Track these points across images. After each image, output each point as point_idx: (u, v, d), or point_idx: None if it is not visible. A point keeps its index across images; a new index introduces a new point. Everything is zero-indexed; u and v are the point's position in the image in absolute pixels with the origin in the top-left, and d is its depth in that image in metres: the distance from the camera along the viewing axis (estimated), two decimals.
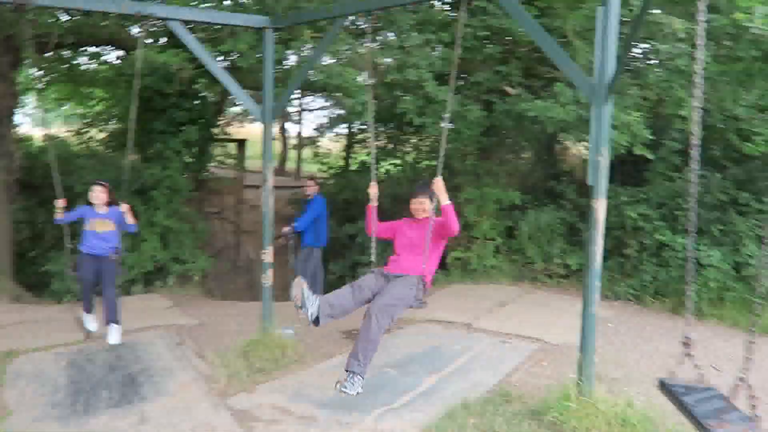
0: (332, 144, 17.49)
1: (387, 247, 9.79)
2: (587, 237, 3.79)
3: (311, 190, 8.56)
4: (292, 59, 8.39)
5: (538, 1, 7.40)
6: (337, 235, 10.55)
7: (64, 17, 8.07)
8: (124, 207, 5.34)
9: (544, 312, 6.48)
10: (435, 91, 7.32)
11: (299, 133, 24.03)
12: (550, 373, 4.72)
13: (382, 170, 12.47)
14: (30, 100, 13.60)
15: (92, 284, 5.43)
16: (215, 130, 11.46)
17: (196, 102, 9.78)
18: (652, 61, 8.57)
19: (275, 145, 15.39)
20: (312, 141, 20.08)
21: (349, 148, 15.01)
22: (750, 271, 6.25)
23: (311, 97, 22.30)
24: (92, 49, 10.34)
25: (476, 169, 9.76)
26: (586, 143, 11.21)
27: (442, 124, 4.25)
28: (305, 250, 8.52)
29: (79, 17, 8.15)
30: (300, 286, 3.78)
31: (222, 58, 8.14)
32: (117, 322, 5.43)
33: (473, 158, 10.40)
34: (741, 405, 2.52)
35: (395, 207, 10.76)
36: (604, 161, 3.67)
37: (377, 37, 6.29)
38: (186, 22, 4.96)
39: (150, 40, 8.74)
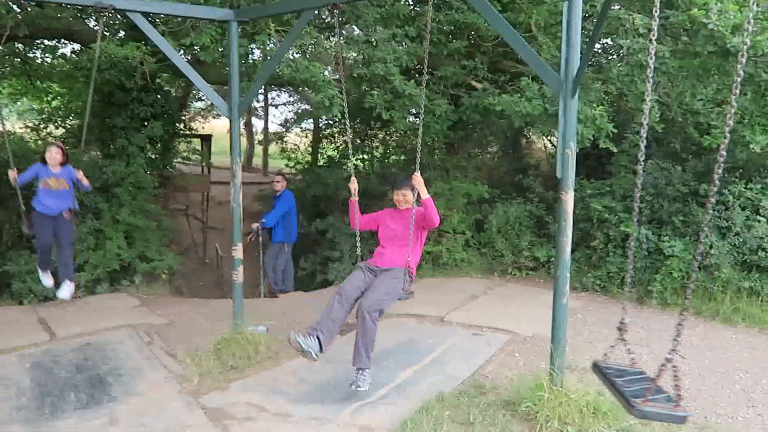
0: (299, 139, 17.33)
1: (364, 241, 9.82)
2: (556, 229, 3.86)
3: (280, 185, 8.51)
4: (256, 54, 8.30)
5: None
6: (307, 230, 10.50)
7: (16, 8, 7.79)
8: (79, 174, 5.40)
9: (515, 304, 6.58)
10: (402, 85, 7.34)
11: (265, 129, 23.77)
12: (523, 365, 4.80)
13: (350, 165, 12.43)
14: None
15: (49, 246, 5.53)
16: (179, 126, 11.24)
17: (158, 97, 9.57)
18: (613, 56, 8.80)
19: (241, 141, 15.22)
20: (279, 137, 19.88)
21: (316, 143, 14.93)
22: (711, 261, 6.46)
23: (276, 92, 22.09)
24: (47, 43, 10.03)
25: (444, 163, 9.85)
26: (551, 137, 11.45)
27: (418, 120, 4.36)
28: (275, 246, 8.47)
29: (31, 8, 7.87)
30: (294, 339, 3.91)
31: (182, 52, 7.99)
32: (72, 280, 5.63)
33: (441, 153, 10.49)
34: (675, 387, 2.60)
35: (364, 201, 10.76)
36: (572, 154, 3.75)
37: (342, 32, 6.27)
38: (147, 14, 4.84)
39: (108, 33, 8.51)
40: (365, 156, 12.33)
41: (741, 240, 6.49)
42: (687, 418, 2.50)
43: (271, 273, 8.50)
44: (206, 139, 13.71)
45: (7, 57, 9.88)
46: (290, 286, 8.71)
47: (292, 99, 22.27)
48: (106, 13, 4.64)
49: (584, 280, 7.29)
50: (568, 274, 3.83)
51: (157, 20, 7.36)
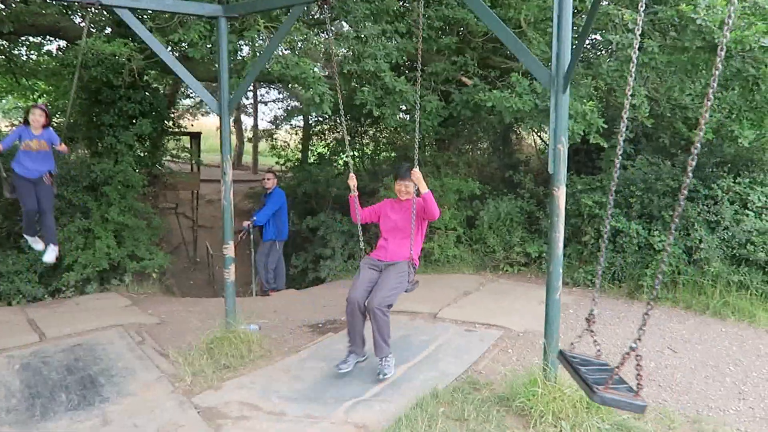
0: (289, 137, 17.26)
1: (347, 241, 9.75)
2: (548, 225, 3.87)
3: (270, 183, 8.48)
4: (244, 50, 8.24)
5: None
6: (298, 228, 10.48)
7: (0, 4, 7.69)
8: (61, 147, 5.55)
9: (507, 300, 6.60)
10: (393, 82, 7.32)
11: (255, 126, 23.65)
12: (516, 360, 4.82)
13: (341, 162, 12.42)
14: None
15: (35, 210, 5.56)
16: (168, 124, 11.14)
17: (147, 94, 9.47)
18: (602, 52, 8.83)
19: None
20: (268, 134, 19.79)
21: (306, 140, 14.87)
22: (701, 255, 6.51)
23: (266, 89, 21.99)
24: (33, 39, 9.90)
25: (435, 159, 9.86)
26: (541, 133, 11.50)
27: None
28: (267, 244, 8.44)
29: (16, 4, 7.77)
30: (337, 369, 4.37)
31: (170, 49, 7.92)
32: (55, 244, 5.72)
33: (432, 149, 10.50)
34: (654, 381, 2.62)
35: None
36: (564, 150, 3.75)
37: (332, 28, 6.25)
38: (135, 10, 4.78)
39: (94, 30, 8.42)
40: (356, 153, 12.31)
41: (730, 234, 6.54)
42: (645, 408, 2.54)
43: (263, 271, 8.47)
44: (195, 136, 13.60)
45: None
46: (282, 284, 8.68)
47: (281, 96, 22.18)
48: (93, 9, 4.59)
49: (575, 276, 7.32)
50: (561, 270, 3.84)
51: (145, 16, 7.28)
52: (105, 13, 8.68)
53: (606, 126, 6.63)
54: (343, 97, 5.04)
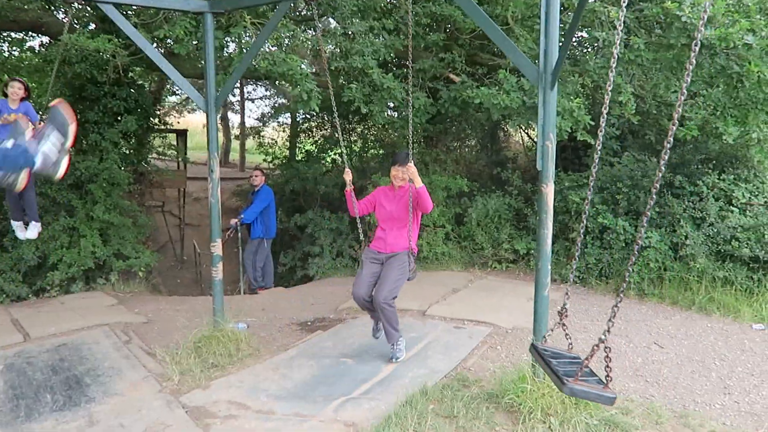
0: (276, 134, 17.17)
1: (336, 239, 9.72)
2: (537, 222, 3.88)
3: (258, 180, 8.43)
4: (231, 47, 8.19)
5: None
6: (286, 225, 10.43)
7: None
8: (39, 125, 5.44)
9: (495, 297, 6.62)
10: (380, 78, 7.30)
11: (242, 124, 23.51)
12: (505, 357, 4.83)
13: (329, 159, 12.38)
14: None
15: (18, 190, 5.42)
16: (154, 121, 11.03)
17: (132, 91, 9.37)
18: (589, 49, 8.87)
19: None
20: (256, 131, 19.68)
21: (294, 138, 14.80)
22: (686, 251, 6.57)
23: (253, 86, 21.86)
24: (15, 35, 9.75)
25: (423, 157, 9.85)
26: (529, 130, 11.54)
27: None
28: (255, 241, 8.40)
29: None
30: (374, 336, 4.84)
31: (155, 45, 7.84)
32: (37, 221, 5.68)
33: (420, 146, 10.49)
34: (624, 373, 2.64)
35: (344, 195, 10.73)
36: (552, 146, 3.76)
37: (318, 24, 6.23)
38: (119, 5, 4.72)
39: (78, 26, 8.30)
40: (344, 150, 12.25)
41: (715, 230, 6.61)
42: (614, 400, 2.57)
43: (251, 269, 8.42)
44: (182, 134, 13.50)
45: None
46: (270, 282, 8.64)
47: (268, 93, 22.08)
48: (76, 4, 4.52)
49: (563, 272, 7.36)
50: (549, 266, 3.85)
51: (129, 12, 7.20)
52: (89, 8, 8.57)
53: (593, 123, 6.66)
54: (331, 94, 5.03)
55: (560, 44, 3.70)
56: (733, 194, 6.77)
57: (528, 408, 3.60)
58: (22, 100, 5.39)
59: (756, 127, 6.06)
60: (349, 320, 5.95)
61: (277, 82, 13.96)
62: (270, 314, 6.41)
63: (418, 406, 3.75)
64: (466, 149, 12.13)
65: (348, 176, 4.71)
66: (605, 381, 2.58)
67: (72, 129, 2.56)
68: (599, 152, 2.96)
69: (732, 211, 6.65)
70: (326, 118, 13.08)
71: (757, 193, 6.83)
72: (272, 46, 7.45)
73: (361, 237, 4.84)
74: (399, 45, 7.73)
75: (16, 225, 5.73)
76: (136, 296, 7.63)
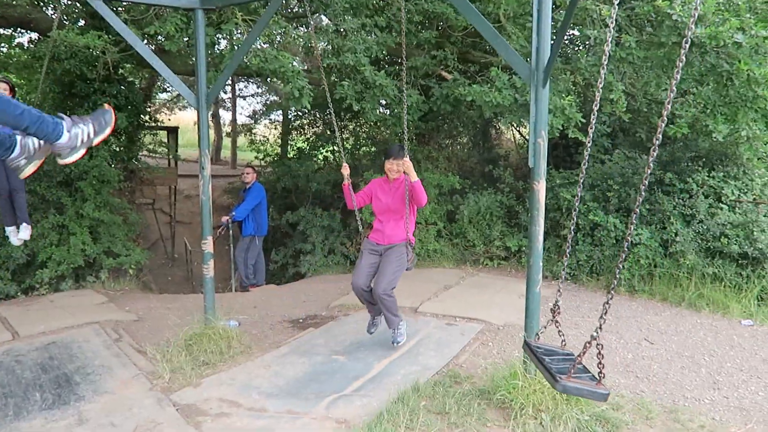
0: (268, 131, 17.11)
1: (328, 236, 9.71)
2: (528, 219, 3.89)
3: (250, 177, 8.41)
4: (222, 44, 8.14)
5: None
6: (278, 223, 10.41)
7: None
8: None
9: (487, 293, 6.64)
10: (372, 76, 7.29)
11: (233, 121, 23.42)
12: (496, 353, 4.84)
13: (320, 157, 12.36)
14: None
15: (8, 191, 5.47)
16: (144, 118, 10.96)
17: (122, 87, 9.30)
18: (581, 47, 8.90)
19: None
20: (247, 128, 19.60)
21: (286, 135, 14.77)
22: (676, 247, 6.62)
23: (244, 83, 21.78)
24: (3, 32, 9.65)
25: (416, 154, 9.86)
26: (521, 128, 11.56)
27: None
28: (246, 239, 8.37)
29: None
30: (368, 332, 4.97)
31: (145, 42, 7.78)
32: (29, 223, 5.65)
33: (412, 144, 10.49)
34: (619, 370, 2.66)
35: (336, 193, 10.73)
36: (544, 144, 3.77)
37: (310, 21, 6.22)
38: (109, 2, 4.68)
39: (67, 22, 8.23)
40: (335, 147, 12.24)
41: (705, 227, 6.65)
42: (608, 396, 2.58)
43: (242, 267, 8.39)
44: (172, 131, 13.41)
45: None
46: (262, 279, 8.62)
47: (260, 90, 22.00)
48: (64, 0, 4.47)
49: (555, 269, 7.39)
50: (541, 263, 3.87)
51: (119, 8, 7.14)
52: (78, 4, 8.50)
53: (584, 120, 6.68)
54: (323, 91, 5.05)
55: (552, 42, 3.71)
56: (723, 191, 6.82)
57: (519, 404, 3.62)
58: None
59: (745, 125, 6.10)
60: (341, 317, 5.94)
61: (268, 80, 13.90)
62: (262, 312, 6.39)
63: (410, 402, 3.76)
64: (458, 147, 12.15)
65: (345, 171, 4.77)
66: (598, 377, 2.59)
67: (107, 132, 2.64)
68: (589, 149, 2.97)
69: (721, 208, 6.70)
70: (318, 116, 13.05)
71: (746, 190, 6.89)
72: (264, 43, 7.42)
73: (360, 228, 4.92)
74: (391, 42, 7.73)
75: (10, 230, 5.68)
76: (127, 294, 7.58)
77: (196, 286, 10.37)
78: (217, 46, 7.86)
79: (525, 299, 3.91)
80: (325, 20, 8.88)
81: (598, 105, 2.93)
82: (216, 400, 3.98)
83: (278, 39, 7.74)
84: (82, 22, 8.60)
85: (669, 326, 5.61)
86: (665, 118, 2.37)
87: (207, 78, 5.04)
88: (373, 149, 11.95)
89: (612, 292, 2.56)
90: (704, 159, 7.32)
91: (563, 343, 3.00)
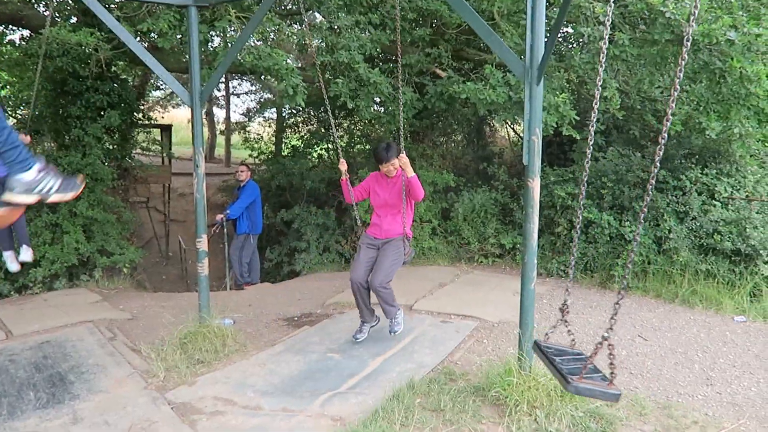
0: (262, 129, 17.05)
1: (322, 234, 9.69)
2: (523, 216, 3.90)
3: (244, 175, 8.39)
4: (216, 41, 8.11)
5: None
6: (273, 221, 10.39)
7: None
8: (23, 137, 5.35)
9: (482, 291, 6.65)
10: (367, 73, 7.28)
11: (227, 119, 23.32)
12: (491, 350, 4.86)
13: (315, 155, 12.34)
14: None
15: None
16: (138, 116, 10.91)
17: (115, 85, 9.25)
18: (574, 44, 8.92)
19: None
20: (241, 126, 19.52)
21: (280, 133, 14.73)
22: (670, 244, 6.65)
23: (238, 81, 21.69)
24: None
25: (410, 152, 9.86)
26: (515, 125, 11.58)
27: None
28: (241, 237, 8.36)
29: None
30: (354, 339, 4.93)
31: (138, 39, 7.74)
32: (28, 244, 5.69)
33: (406, 141, 10.49)
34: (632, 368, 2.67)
35: (331, 192, 10.73)
36: (538, 141, 3.78)
37: (305, 18, 6.20)
38: None
39: (59, 19, 8.17)
40: (330, 145, 12.24)
41: (698, 224, 6.69)
42: (620, 396, 2.57)
43: (237, 265, 8.38)
44: (166, 129, 13.35)
45: None
46: (256, 277, 8.61)
47: (254, 88, 21.91)
48: None
49: (549, 266, 7.41)
50: (536, 260, 3.88)
51: (112, 5, 7.11)
52: (70, 1, 8.45)
53: (578, 118, 6.70)
54: (317, 88, 5.06)
55: (546, 40, 3.71)
56: (716, 188, 6.86)
57: (514, 401, 3.63)
58: None
59: (738, 122, 6.14)
60: (336, 315, 5.94)
61: (262, 77, 13.87)
62: (256, 310, 6.38)
63: (405, 400, 3.77)
64: (453, 144, 12.15)
65: (343, 166, 4.85)
66: (610, 378, 2.57)
67: (68, 196, 2.57)
68: (591, 147, 2.96)
69: (714, 205, 6.74)
70: (312, 113, 13.03)
71: (738, 187, 6.93)
72: (258, 41, 7.39)
73: (359, 223, 4.97)
74: (385, 40, 7.71)
75: (7, 255, 5.64)
76: (121, 293, 7.56)
77: (190, 285, 10.34)
78: (210, 43, 7.83)
79: (520, 296, 3.91)
80: (318, 17, 8.84)
81: (598, 103, 2.93)
82: (211, 399, 3.98)
83: (272, 36, 7.71)
84: (74, 19, 8.55)
85: (662, 323, 5.64)
86: (670, 117, 2.37)
87: (200, 75, 5.02)
88: (367, 147, 11.94)
89: (622, 292, 2.55)
90: (697, 156, 7.36)
91: (573, 342, 2.99)
